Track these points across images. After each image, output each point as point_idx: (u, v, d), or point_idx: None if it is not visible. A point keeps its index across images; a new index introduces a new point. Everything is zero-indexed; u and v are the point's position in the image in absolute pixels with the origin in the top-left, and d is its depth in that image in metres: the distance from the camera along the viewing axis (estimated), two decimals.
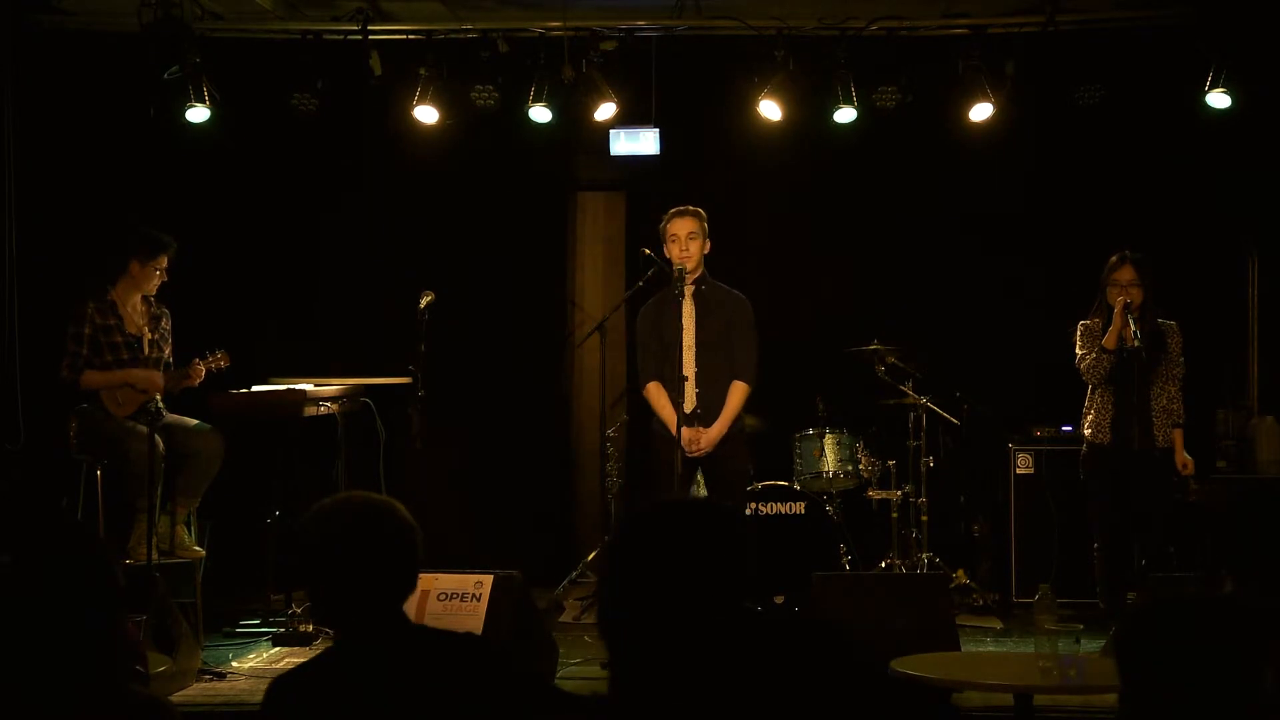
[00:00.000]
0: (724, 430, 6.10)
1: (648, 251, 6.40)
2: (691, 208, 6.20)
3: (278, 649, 6.18)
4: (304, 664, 2.66)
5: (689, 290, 6.12)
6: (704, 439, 6.04)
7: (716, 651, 2.16)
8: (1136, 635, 2.06)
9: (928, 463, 7.22)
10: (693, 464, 6.06)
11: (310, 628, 6.26)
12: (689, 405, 6.02)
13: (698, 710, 2.14)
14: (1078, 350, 6.42)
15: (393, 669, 2.53)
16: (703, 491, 6.29)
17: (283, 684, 2.59)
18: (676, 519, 2.27)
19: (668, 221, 6.19)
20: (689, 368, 6.05)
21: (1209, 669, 2.00)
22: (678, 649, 2.15)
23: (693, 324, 6.08)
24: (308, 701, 2.54)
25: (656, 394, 6.18)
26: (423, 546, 2.65)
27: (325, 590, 2.60)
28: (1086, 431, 6.42)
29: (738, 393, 6.16)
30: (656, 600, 2.18)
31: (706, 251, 6.19)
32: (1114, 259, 6.31)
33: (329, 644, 5.90)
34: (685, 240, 6.12)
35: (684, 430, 5.96)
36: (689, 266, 6.10)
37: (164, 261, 6.47)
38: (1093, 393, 6.38)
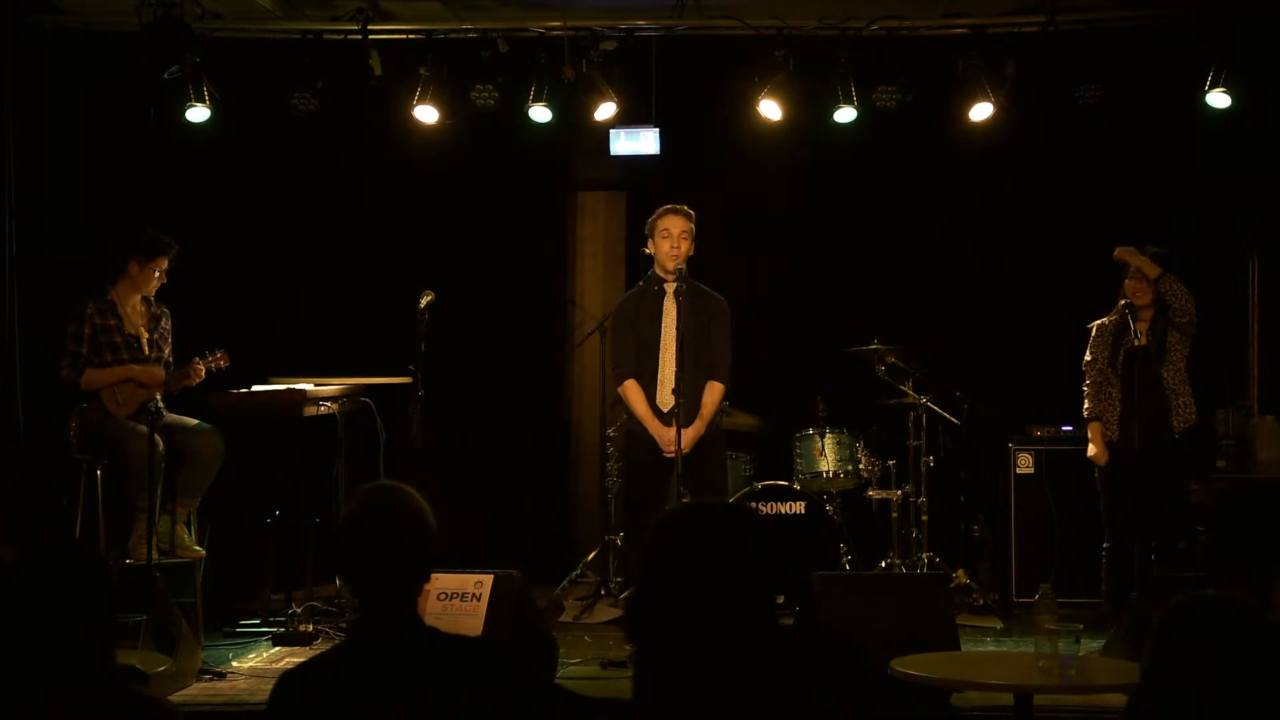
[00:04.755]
0: (702, 430, 6.10)
1: (648, 251, 6.41)
2: (685, 207, 6.19)
3: (278, 649, 6.18)
4: (313, 659, 2.68)
5: (670, 289, 6.11)
6: (683, 439, 6.02)
7: (744, 657, 2.16)
8: (1179, 627, 2.07)
9: (928, 463, 7.21)
10: (669, 464, 6.03)
11: (310, 628, 6.26)
12: (667, 405, 6.01)
13: (721, 713, 2.15)
14: (1087, 355, 6.47)
15: (403, 668, 2.54)
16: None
17: (292, 678, 2.60)
18: (711, 523, 2.28)
19: (660, 218, 6.18)
20: (668, 367, 6.03)
21: (1247, 670, 2.02)
22: (708, 652, 2.16)
23: (673, 323, 6.04)
24: (316, 697, 2.55)
25: (633, 392, 6.17)
26: (437, 539, 2.69)
27: (351, 574, 2.65)
28: None
29: (714, 393, 6.16)
30: (689, 603, 2.18)
31: (691, 253, 6.18)
32: None
33: (329, 644, 5.91)
34: (678, 238, 6.11)
35: (663, 430, 5.97)
36: (681, 265, 6.08)
37: (163, 263, 6.47)
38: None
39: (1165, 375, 6.34)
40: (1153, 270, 6.36)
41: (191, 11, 6.79)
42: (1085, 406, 6.57)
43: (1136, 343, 6.18)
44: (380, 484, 2.76)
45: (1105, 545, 6.49)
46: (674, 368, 5.91)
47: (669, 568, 2.23)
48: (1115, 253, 6.45)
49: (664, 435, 5.98)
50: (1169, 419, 6.28)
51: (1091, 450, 6.52)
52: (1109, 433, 6.45)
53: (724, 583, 2.20)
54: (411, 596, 2.64)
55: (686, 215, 6.16)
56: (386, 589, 2.62)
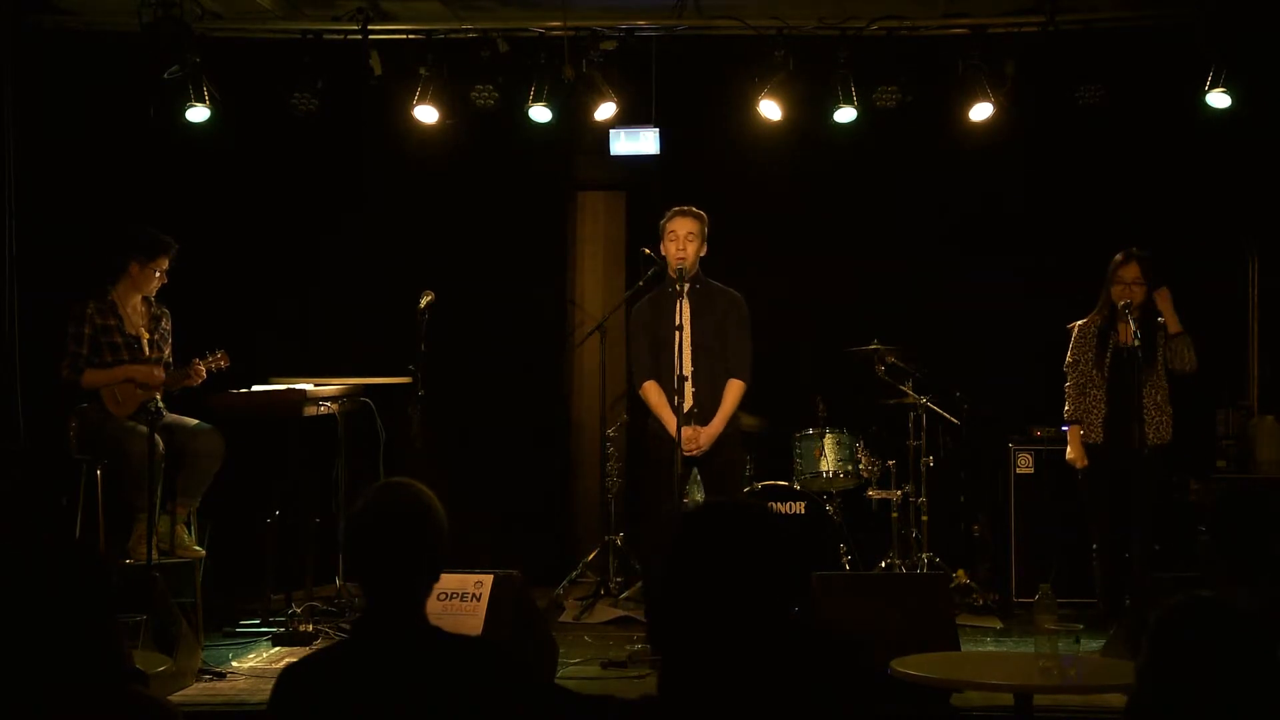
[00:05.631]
0: (721, 428, 6.11)
1: (648, 251, 6.42)
2: (694, 209, 6.20)
3: (278, 649, 6.18)
4: (317, 653, 2.69)
5: (685, 289, 6.12)
6: (702, 437, 6.03)
7: (767, 657, 2.16)
8: (1176, 628, 2.07)
9: (928, 463, 7.22)
10: (689, 462, 6.06)
11: (310, 628, 6.26)
12: (686, 404, 6.01)
13: (747, 714, 2.14)
14: (1069, 357, 6.50)
15: (404, 666, 2.54)
16: (698, 490, 6.30)
17: (295, 672, 2.60)
18: (735, 524, 2.27)
19: (668, 219, 6.20)
20: (686, 367, 6.04)
21: (1242, 672, 2.03)
22: (732, 653, 2.15)
23: (689, 323, 6.06)
24: (318, 692, 2.55)
25: (653, 392, 6.18)
26: (448, 538, 2.70)
27: (361, 568, 2.66)
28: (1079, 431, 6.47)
29: (734, 391, 6.16)
30: (713, 604, 2.18)
31: (703, 254, 6.19)
32: (1119, 256, 6.40)
33: (329, 644, 5.88)
34: (684, 240, 6.12)
35: (682, 429, 5.97)
36: (685, 266, 6.09)
37: (164, 263, 6.48)
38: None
39: (1152, 389, 6.33)
40: (1175, 326, 6.38)
41: (191, 11, 6.79)
42: (1066, 409, 6.57)
43: (1135, 343, 6.19)
44: (392, 481, 2.76)
45: (1094, 546, 6.50)
46: (692, 368, 5.92)
47: (694, 570, 2.23)
48: (1159, 291, 6.41)
49: (686, 434, 5.97)
50: (1146, 429, 6.29)
51: (1070, 454, 6.53)
52: (1091, 435, 6.46)
53: (750, 584, 2.20)
54: (420, 595, 2.64)
55: (694, 217, 6.17)
56: (395, 587, 2.62)
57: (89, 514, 6.13)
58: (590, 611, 7.00)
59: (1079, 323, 6.58)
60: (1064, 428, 6.73)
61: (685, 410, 5.99)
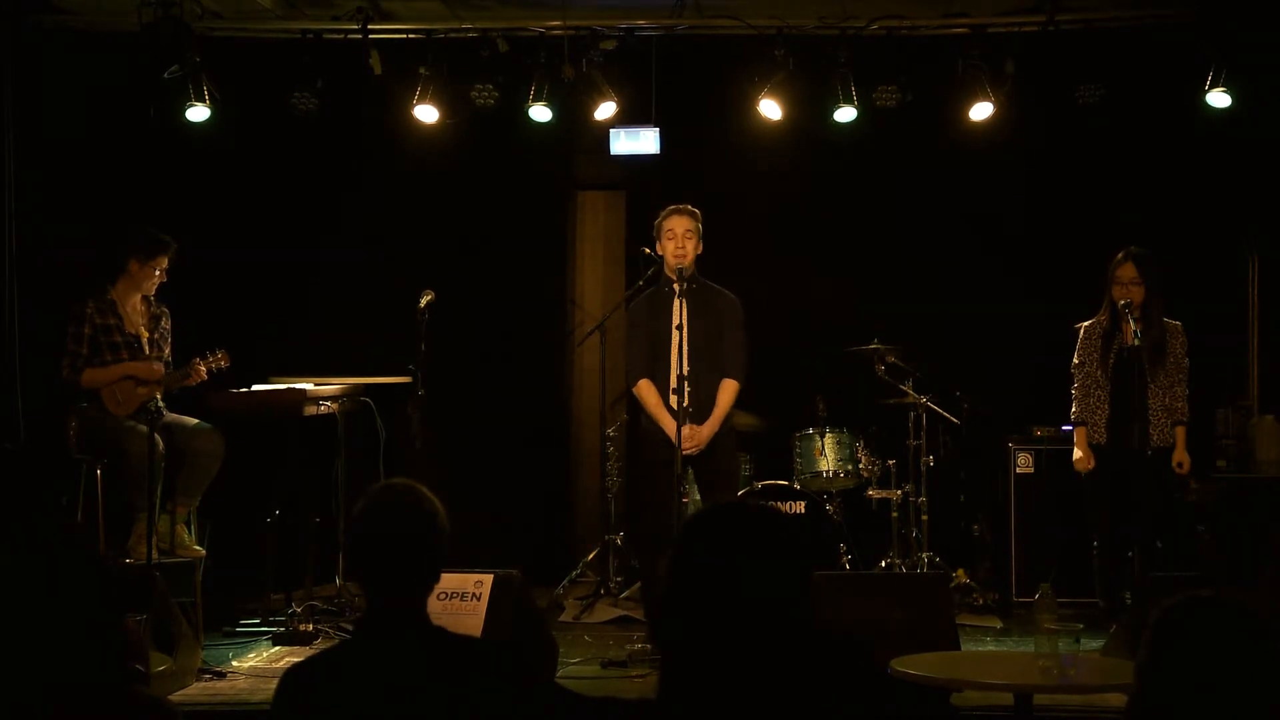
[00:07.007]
0: (716, 428, 6.09)
1: (647, 250, 6.42)
2: (689, 207, 6.20)
3: (278, 649, 6.18)
4: (320, 653, 2.69)
5: (679, 288, 6.11)
6: (696, 437, 6.02)
7: (769, 658, 2.16)
8: (1176, 628, 2.07)
9: (928, 462, 7.22)
10: (684, 461, 6.03)
11: (310, 627, 6.26)
12: (680, 404, 6.01)
13: (748, 714, 2.14)
14: (1075, 358, 6.49)
15: (407, 666, 2.54)
16: (693, 490, 6.29)
17: (298, 672, 2.60)
18: (743, 524, 2.27)
19: (664, 218, 6.18)
20: (681, 366, 6.03)
21: (1242, 671, 2.03)
22: (735, 653, 2.15)
23: (684, 322, 6.05)
24: (322, 692, 2.55)
25: (647, 391, 6.17)
26: (448, 540, 2.70)
27: (362, 570, 2.66)
28: None
29: (728, 391, 6.15)
30: (719, 605, 2.18)
31: (699, 252, 6.18)
32: (1118, 256, 6.38)
33: (329, 643, 5.89)
34: (682, 238, 6.11)
35: (677, 428, 5.97)
36: (685, 264, 6.09)
37: (164, 262, 6.49)
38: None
39: (1158, 390, 6.33)
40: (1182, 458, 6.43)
41: (191, 11, 6.80)
42: (1072, 411, 6.56)
43: (1135, 342, 6.19)
44: (393, 482, 2.76)
45: (1095, 544, 6.49)
46: (686, 367, 5.92)
47: (700, 570, 2.23)
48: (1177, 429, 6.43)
49: (683, 432, 5.95)
50: (1150, 430, 6.28)
51: (1077, 454, 6.49)
52: (1095, 435, 6.45)
53: (756, 585, 2.19)
54: (421, 595, 2.65)
55: (691, 215, 6.16)
56: (396, 587, 2.62)
57: (89, 514, 6.14)
58: (590, 611, 7.00)
59: (1085, 324, 6.56)
60: (1065, 428, 6.74)
61: (679, 410, 5.98)
